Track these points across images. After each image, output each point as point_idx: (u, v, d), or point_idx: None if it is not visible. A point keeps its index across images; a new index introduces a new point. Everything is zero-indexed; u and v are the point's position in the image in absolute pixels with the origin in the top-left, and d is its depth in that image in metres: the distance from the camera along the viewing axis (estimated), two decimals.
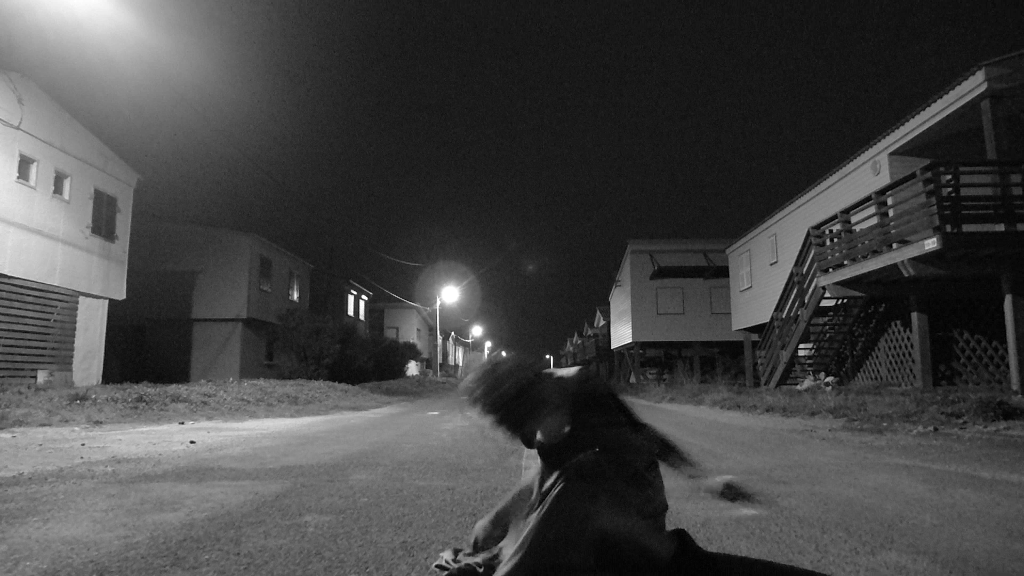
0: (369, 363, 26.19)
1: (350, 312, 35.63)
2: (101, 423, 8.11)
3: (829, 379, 12.91)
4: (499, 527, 1.95)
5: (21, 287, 13.44)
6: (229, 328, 22.70)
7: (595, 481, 1.70)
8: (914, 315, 10.94)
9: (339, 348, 22.50)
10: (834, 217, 12.09)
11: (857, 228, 11.54)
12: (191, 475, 4.06)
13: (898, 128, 11.88)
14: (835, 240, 12.21)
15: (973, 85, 9.72)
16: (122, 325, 19.18)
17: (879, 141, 12.59)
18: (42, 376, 13.74)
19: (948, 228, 8.79)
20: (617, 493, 1.71)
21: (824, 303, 13.27)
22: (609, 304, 38.01)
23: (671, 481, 1.92)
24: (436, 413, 11.25)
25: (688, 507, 2.89)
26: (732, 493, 1.86)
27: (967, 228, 8.97)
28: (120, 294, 16.70)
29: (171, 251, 22.31)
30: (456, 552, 2.03)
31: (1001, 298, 9.26)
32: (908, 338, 11.59)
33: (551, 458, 1.83)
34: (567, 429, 1.81)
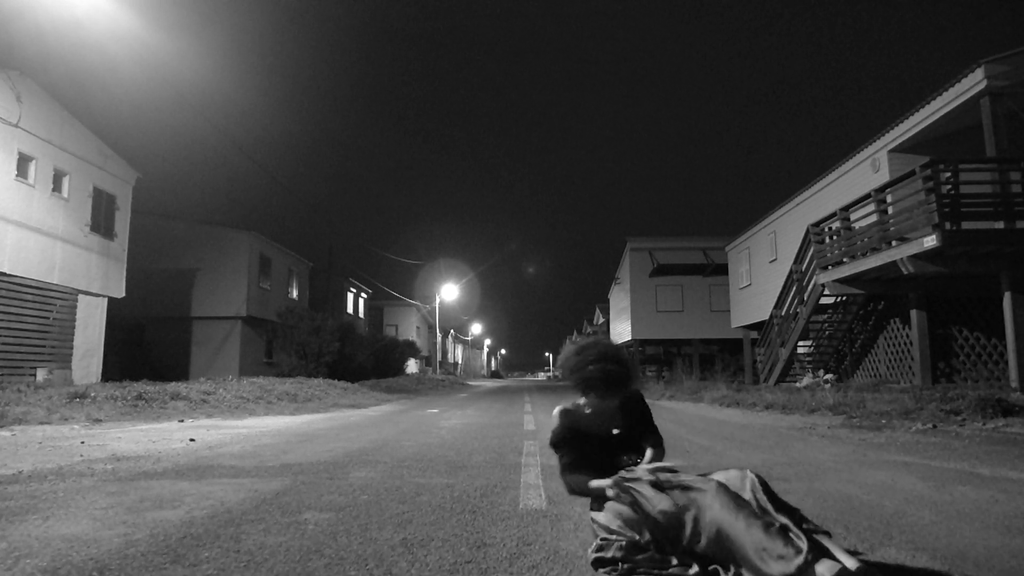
0: (368, 361, 26.18)
1: (349, 310, 35.63)
2: (101, 421, 8.11)
3: (828, 376, 12.92)
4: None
5: (20, 285, 13.43)
6: (228, 326, 22.70)
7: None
8: (913, 312, 10.94)
9: (338, 346, 22.49)
10: (833, 215, 12.09)
11: (856, 226, 11.54)
12: (191, 473, 4.06)
13: (897, 125, 11.88)
14: (834, 238, 12.22)
15: (972, 83, 9.72)
16: (121, 323, 19.17)
17: (878, 138, 12.59)
18: (41, 374, 13.74)
19: (947, 225, 8.79)
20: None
21: (823, 300, 13.27)
22: (608, 302, 38.02)
23: None
24: (435, 411, 11.26)
25: None
26: None
27: (966, 225, 8.97)
28: (119, 292, 16.69)
29: (170, 249, 22.27)
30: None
31: (1000, 296, 9.27)
32: (907, 335, 11.60)
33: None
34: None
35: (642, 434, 2.35)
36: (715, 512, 1.75)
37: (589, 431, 2.27)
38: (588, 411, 2.31)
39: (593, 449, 2.25)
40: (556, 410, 2.36)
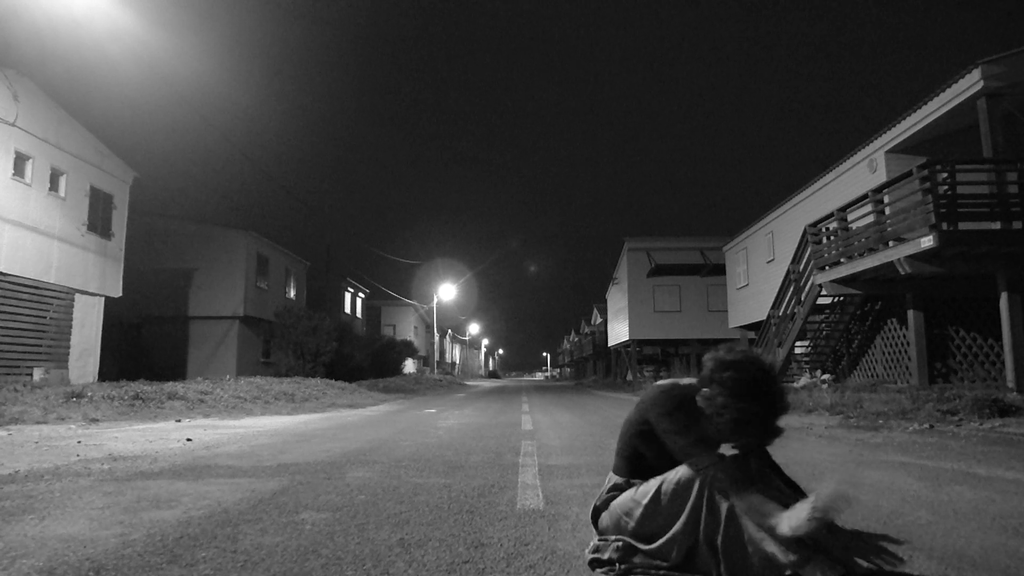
0: (366, 361, 26.19)
1: (347, 310, 35.59)
2: (97, 421, 8.10)
3: (826, 377, 12.93)
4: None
5: (17, 284, 13.39)
6: (226, 326, 22.66)
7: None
8: (910, 313, 10.96)
9: (336, 345, 22.49)
10: (831, 215, 12.10)
11: (854, 226, 11.55)
12: (188, 473, 4.05)
13: (895, 126, 11.90)
14: (832, 238, 12.23)
15: (969, 83, 9.74)
16: (118, 323, 19.13)
17: (876, 139, 12.61)
18: (38, 374, 13.70)
19: (944, 226, 8.80)
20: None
21: (820, 301, 13.29)
22: (606, 302, 38.06)
23: None
24: (433, 411, 11.25)
25: None
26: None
27: (963, 226, 8.99)
28: (116, 291, 16.65)
29: (168, 248, 22.24)
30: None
31: (997, 296, 9.29)
32: (904, 336, 11.62)
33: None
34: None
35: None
36: (723, 484, 1.74)
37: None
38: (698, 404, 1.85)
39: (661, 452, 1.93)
40: (674, 391, 1.92)
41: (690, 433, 1.83)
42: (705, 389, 1.80)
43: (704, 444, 1.81)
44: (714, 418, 1.77)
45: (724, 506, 1.73)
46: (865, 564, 1.62)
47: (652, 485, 1.92)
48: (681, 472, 1.85)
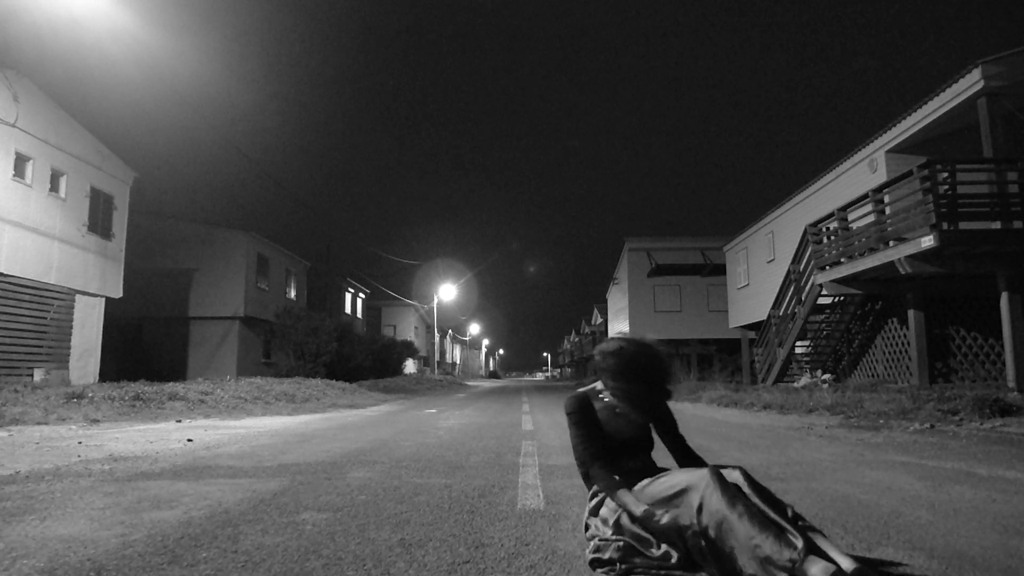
0: (366, 361, 26.17)
1: (347, 310, 35.60)
2: (98, 421, 8.10)
3: (826, 376, 12.93)
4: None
5: (17, 285, 13.40)
6: (226, 326, 22.67)
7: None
8: (911, 312, 10.96)
9: (336, 346, 22.47)
10: (831, 215, 12.10)
11: (854, 226, 11.55)
12: (188, 473, 4.05)
13: (895, 126, 11.89)
14: (832, 238, 12.23)
15: (970, 83, 9.73)
16: (119, 323, 19.13)
17: (876, 139, 12.60)
18: (39, 374, 13.70)
19: (945, 225, 8.80)
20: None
21: (821, 300, 13.28)
22: (607, 302, 38.05)
23: None
24: (433, 411, 11.25)
25: None
26: None
27: (963, 226, 8.99)
28: (117, 292, 16.66)
29: (168, 249, 22.24)
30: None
31: (997, 295, 9.29)
32: (905, 335, 11.62)
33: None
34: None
35: (668, 441, 2.28)
36: (714, 503, 1.76)
37: (602, 425, 2.18)
38: (605, 401, 2.19)
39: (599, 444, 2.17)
40: (571, 397, 2.22)
41: (590, 443, 2.13)
42: (600, 378, 2.14)
43: (600, 458, 2.10)
44: (612, 395, 2.12)
45: (716, 513, 1.74)
46: (855, 563, 1.62)
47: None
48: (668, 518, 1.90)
